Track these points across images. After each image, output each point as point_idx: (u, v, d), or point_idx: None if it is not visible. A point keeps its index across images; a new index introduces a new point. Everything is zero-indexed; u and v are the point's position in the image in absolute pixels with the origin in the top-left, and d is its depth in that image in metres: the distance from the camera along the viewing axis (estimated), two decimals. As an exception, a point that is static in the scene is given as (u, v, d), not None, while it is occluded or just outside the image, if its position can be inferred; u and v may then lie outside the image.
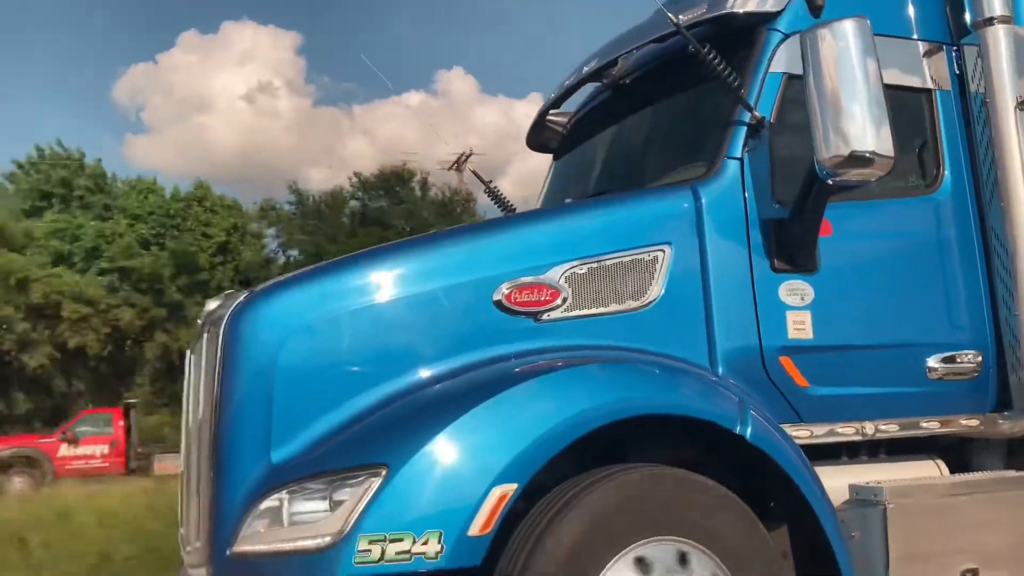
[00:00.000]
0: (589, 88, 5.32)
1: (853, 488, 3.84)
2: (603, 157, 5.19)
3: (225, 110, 70.36)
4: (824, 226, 3.93)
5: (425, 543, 2.95)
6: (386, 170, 42.24)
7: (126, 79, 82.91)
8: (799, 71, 3.86)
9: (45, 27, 70.10)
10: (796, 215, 3.89)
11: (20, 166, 43.64)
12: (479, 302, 3.58)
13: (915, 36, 4.42)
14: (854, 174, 3.62)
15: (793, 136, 4.01)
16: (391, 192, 42.80)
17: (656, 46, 4.53)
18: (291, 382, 3.37)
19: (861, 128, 3.54)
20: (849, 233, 4.07)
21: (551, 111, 5.58)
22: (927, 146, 4.39)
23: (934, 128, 4.38)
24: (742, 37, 4.19)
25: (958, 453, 4.39)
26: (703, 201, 3.90)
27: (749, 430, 3.45)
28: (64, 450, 25.63)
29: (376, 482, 3.02)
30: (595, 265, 3.73)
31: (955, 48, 4.49)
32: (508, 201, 6.09)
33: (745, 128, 3.98)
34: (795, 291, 3.89)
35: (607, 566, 3.09)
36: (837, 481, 3.77)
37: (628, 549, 3.13)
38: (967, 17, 4.43)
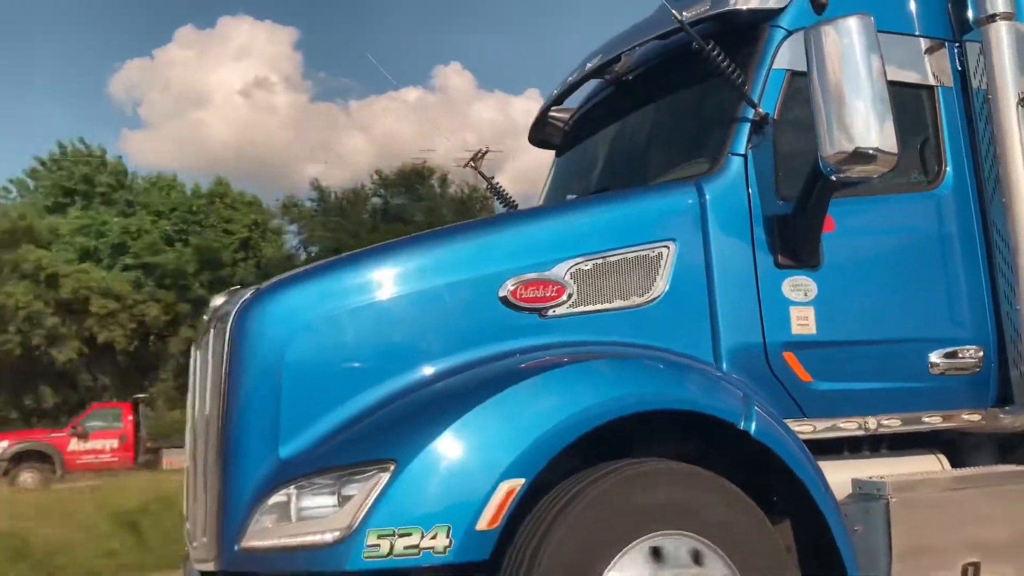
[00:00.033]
0: (591, 85, 5.28)
1: (856, 482, 3.82)
2: (606, 154, 5.16)
3: (222, 105, 70.01)
4: (827, 222, 3.92)
5: (434, 537, 2.95)
6: (406, 168, 42.63)
7: (123, 74, 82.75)
8: (802, 68, 3.86)
9: (42, 22, 69.94)
10: (800, 211, 3.88)
11: (43, 163, 44.13)
12: (485, 298, 3.57)
13: (917, 33, 4.40)
14: (858, 171, 3.61)
15: (796, 132, 4.00)
16: (411, 189, 43.25)
17: (659, 43, 4.50)
18: (298, 378, 3.36)
19: (865, 125, 3.53)
20: (852, 229, 4.05)
21: (553, 107, 5.53)
22: (929, 142, 4.37)
23: (936, 124, 4.37)
24: (745, 34, 4.17)
25: (957, 448, 4.34)
26: (707, 197, 3.89)
27: (754, 425, 3.44)
28: (74, 444, 25.59)
29: (385, 477, 3.02)
30: (600, 261, 3.72)
31: (957, 44, 4.47)
32: (510, 197, 6.12)
33: (749, 124, 3.97)
34: (798, 287, 3.89)
35: (613, 560, 3.09)
36: (839, 476, 3.75)
37: (634, 543, 3.12)
38: (969, 13, 4.41)
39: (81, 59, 74.46)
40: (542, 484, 3.21)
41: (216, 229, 42.03)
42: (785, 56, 4.10)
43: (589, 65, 4.99)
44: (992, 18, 4.30)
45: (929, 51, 4.41)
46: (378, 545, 2.95)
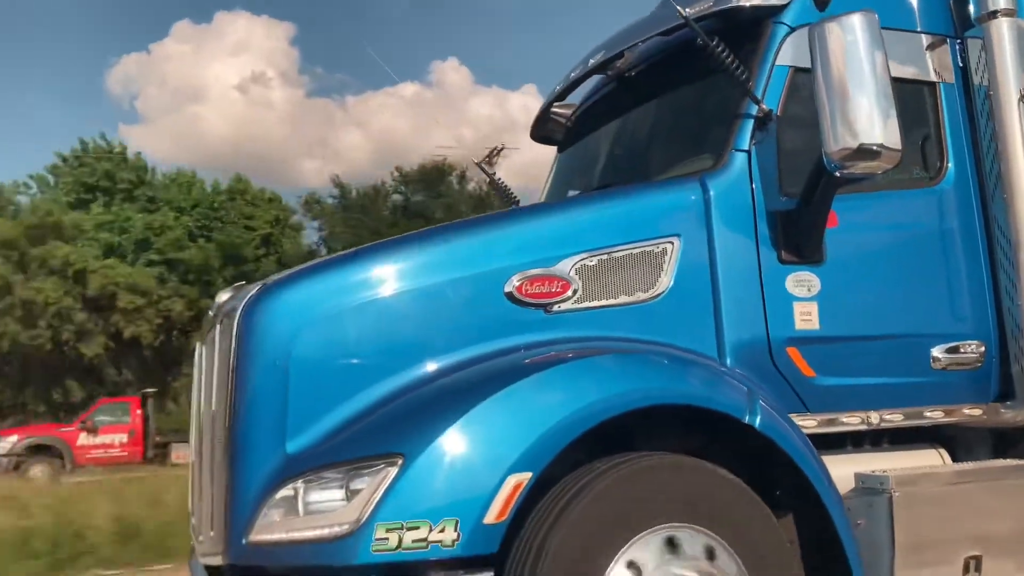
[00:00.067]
0: (593, 81, 5.21)
1: (859, 476, 3.77)
2: (609, 150, 5.11)
3: (218, 100, 69.76)
4: (830, 218, 3.86)
5: (442, 531, 2.93)
6: (427, 165, 42.74)
7: (119, 68, 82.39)
8: (805, 64, 3.80)
9: (38, 16, 69.75)
10: (803, 207, 3.84)
11: (64, 159, 44.25)
12: (490, 294, 3.53)
13: (919, 29, 4.34)
14: (862, 167, 3.58)
15: (800, 129, 3.94)
16: (431, 186, 43.43)
17: (662, 39, 4.43)
18: (305, 373, 3.32)
19: (869, 121, 3.50)
20: (854, 225, 3.99)
21: (556, 103, 5.46)
22: (931, 138, 4.31)
23: (938, 121, 4.31)
24: (748, 31, 4.11)
25: (958, 443, 4.29)
26: (711, 193, 3.84)
27: (758, 419, 3.40)
28: (83, 439, 25.58)
29: (393, 471, 2.98)
30: (605, 257, 3.68)
31: (959, 41, 4.41)
32: (512, 193, 6.13)
33: (752, 121, 3.92)
34: (802, 282, 3.85)
35: (619, 553, 3.05)
36: (841, 470, 3.68)
37: (639, 537, 3.08)
38: (971, 10, 4.34)
39: (78, 53, 74.27)
40: (548, 478, 3.16)
41: (237, 225, 42.45)
42: (788, 52, 4.04)
43: (592, 61, 4.90)
44: (993, 15, 4.23)
45: (931, 47, 4.35)
46: (387, 539, 2.92)
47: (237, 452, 3.31)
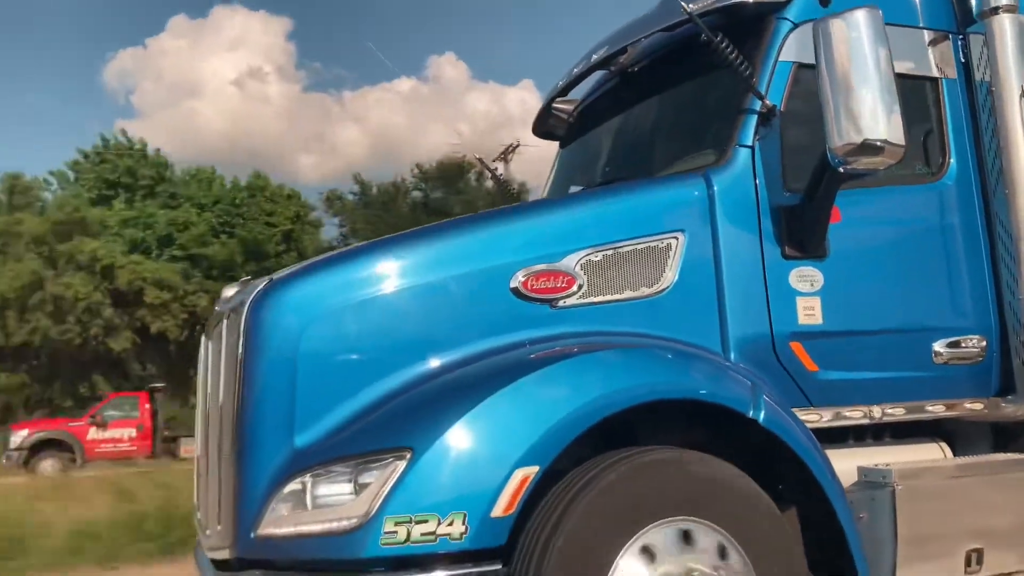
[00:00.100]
0: (596, 76, 5.13)
1: (862, 470, 3.70)
2: (611, 145, 5.04)
3: (215, 95, 69.34)
4: (833, 213, 3.80)
5: (450, 524, 2.89)
6: (446, 162, 42.78)
7: (116, 63, 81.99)
8: (808, 60, 3.73)
9: (34, 10, 69.36)
10: (807, 202, 3.78)
11: (86, 155, 44.37)
12: (496, 289, 3.49)
13: (921, 25, 4.26)
14: (865, 162, 3.52)
15: (803, 124, 3.87)
16: (451, 183, 43.61)
17: (665, 35, 4.34)
18: (313, 368, 3.28)
19: (873, 117, 3.45)
20: (857, 220, 3.92)
21: (558, 99, 5.40)
22: (933, 134, 4.24)
23: (940, 116, 4.24)
24: (752, 26, 4.03)
25: (958, 437, 4.24)
26: (715, 189, 3.78)
27: (762, 414, 3.34)
28: (93, 433, 24.96)
29: (401, 465, 2.94)
30: (610, 252, 3.63)
31: (961, 37, 4.32)
32: (512, 188, 6.16)
33: (756, 116, 3.87)
34: (805, 277, 3.80)
35: (625, 546, 3.01)
36: (843, 464, 3.63)
37: (646, 530, 3.05)
38: (973, 6, 4.25)
39: (74, 48, 73.74)
40: (556, 472, 3.10)
41: (258, 222, 42.62)
42: (792, 48, 3.97)
43: (595, 57, 4.82)
44: (995, 10, 4.14)
45: (933, 43, 4.27)
46: (395, 532, 2.88)
47: (245, 446, 3.26)
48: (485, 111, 67.55)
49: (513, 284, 3.53)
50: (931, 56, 4.32)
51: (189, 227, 40.84)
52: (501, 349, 3.42)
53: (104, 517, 9.46)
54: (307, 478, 3.12)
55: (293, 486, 3.13)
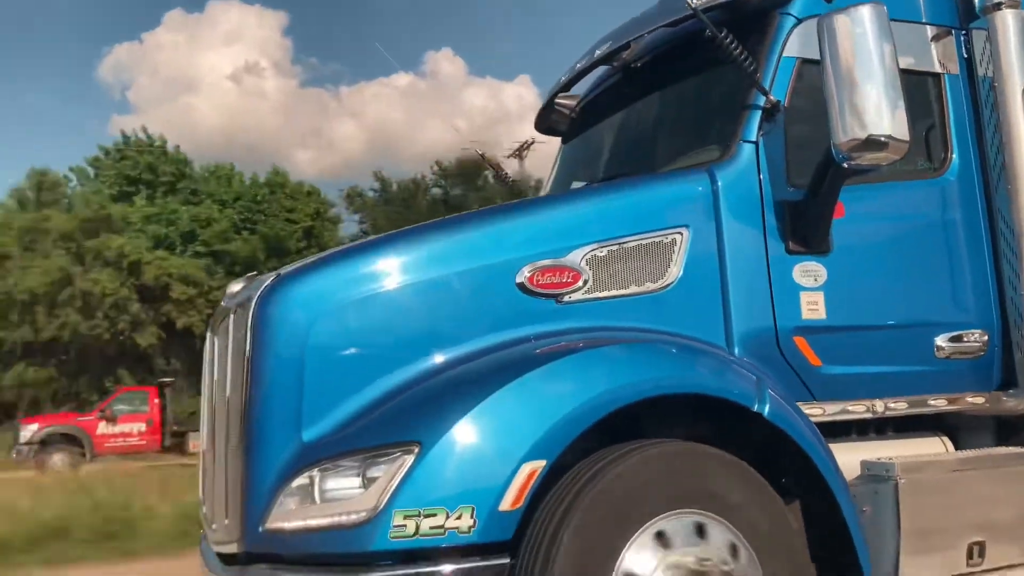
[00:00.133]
0: (598, 72, 5.05)
1: (865, 464, 3.63)
2: (615, 141, 4.96)
3: (211, 90, 69.21)
4: (836, 208, 3.74)
5: (458, 518, 2.86)
6: (465, 160, 43.26)
7: (111, 58, 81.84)
8: (812, 55, 3.64)
9: (29, 5, 69.28)
10: (811, 198, 3.71)
11: (106, 152, 44.43)
12: (502, 284, 3.44)
13: (924, 20, 4.18)
14: (869, 158, 3.46)
15: (807, 120, 3.80)
16: (470, 180, 43.76)
17: (669, 30, 4.26)
18: (321, 362, 3.23)
19: (877, 112, 3.38)
20: (860, 215, 3.85)
21: (560, 94, 5.32)
22: (935, 129, 4.16)
23: (942, 112, 4.17)
24: (755, 22, 3.96)
25: (960, 431, 4.20)
26: (719, 184, 3.71)
27: (767, 408, 3.29)
28: (103, 428, 24.68)
29: (409, 459, 2.90)
30: (615, 248, 3.57)
31: (963, 32, 4.23)
32: (514, 183, 6.16)
33: (760, 112, 3.80)
34: (809, 272, 3.75)
35: (632, 538, 2.97)
36: (845, 458, 3.57)
37: (653, 522, 3.01)
38: (975, 1, 4.17)
39: (69, 42, 73.68)
40: (561, 467, 3.05)
41: (279, 218, 42.86)
42: (795, 44, 3.89)
43: (598, 52, 4.73)
44: (998, 6, 4.06)
45: (936, 39, 4.18)
46: (404, 525, 2.83)
47: (253, 441, 3.19)
48: (482, 107, 67.36)
49: (519, 279, 3.46)
50: (934, 52, 4.23)
51: (211, 223, 40.99)
52: (507, 344, 3.35)
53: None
54: (315, 472, 3.06)
55: (301, 480, 3.07)
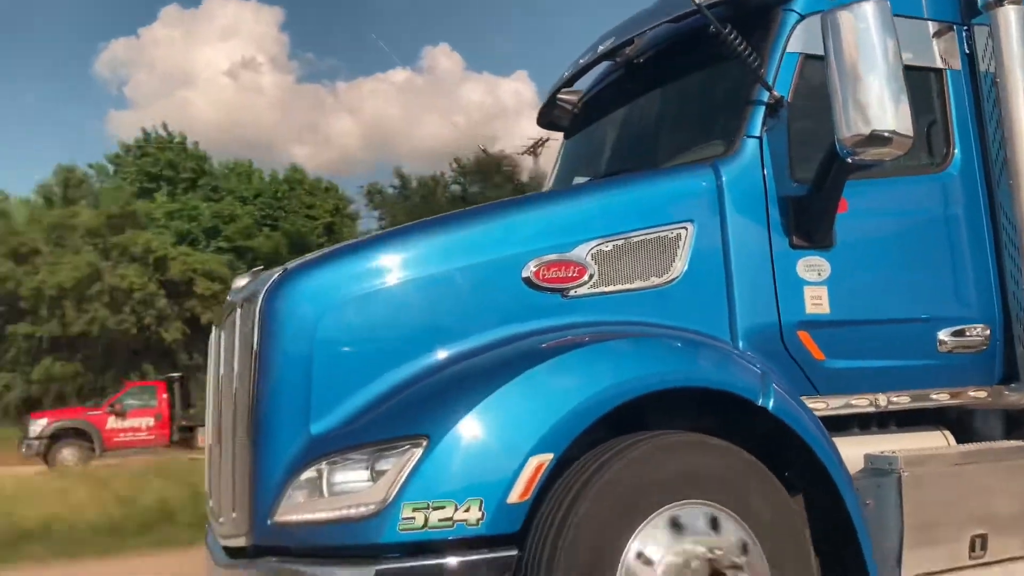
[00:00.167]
0: (601, 67, 4.97)
1: (868, 457, 3.57)
2: (618, 136, 4.89)
3: (208, 85, 69.20)
4: (840, 203, 3.70)
5: (467, 510, 2.83)
6: (482, 158, 42.57)
7: (108, 53, 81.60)
8: (815, 51, 3.56)
9: (27, 1, 69.17)
10: (814, 193, 3.65)
11: (127, 148, 44.40)
12: (509, 279, 3.40)
13: (926, 16, 4.12)
14: (873, 153, 3.40)
15: (810, 115, 3.73)
16: (488, 177, 43.92)
17: (672, 26, 4.19)
18: (328, 356, 3.19)
19: (881, 107, 3.33)
20: (863, 210, 3.78)
21: (563, 90, 5.26)
22: (938, 125, 4.08)
23: (944, 107, 4.09)
24: (759, 18, 3.89)
25: (962, 425, 4.15)
26: (724, 179, 3.66)
27: (771, 402, 3.24)
28: (112, 422, 23.98)
29: (418, 452, 2.86)
30: (621, 242, 3.52)
31: (965, 28, 4.15)
32: (516, 179, 6.17)
33: (763, 107, 3.75)
34: (812, 267, 3.70)
35: (637, 529, 2.95)
36: (849, 452, 3.52)
37: (658, 513, 2.99)
38: None
39: (66, 38, 73.46)
40: (568, 460, 3.00)
41: (299, 214, 42.86)
42: (798, 40, 3.82)
43: (601, 48, 4.65)
44: (1000, 2, 3.97)
45: (938, 34, 4.11)
46: (413, 518, 2.80)
47: (261, 434, 3.14)
48: (480, 102, 67.30)
49: (525, 274, 3.40)
50: (936, 48, 4.14)
51: (234, 220, 41.07)
52: (514, 338, 3.29)
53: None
54: (323, 465, 3.00)
55: (309, 473, 3.01)
